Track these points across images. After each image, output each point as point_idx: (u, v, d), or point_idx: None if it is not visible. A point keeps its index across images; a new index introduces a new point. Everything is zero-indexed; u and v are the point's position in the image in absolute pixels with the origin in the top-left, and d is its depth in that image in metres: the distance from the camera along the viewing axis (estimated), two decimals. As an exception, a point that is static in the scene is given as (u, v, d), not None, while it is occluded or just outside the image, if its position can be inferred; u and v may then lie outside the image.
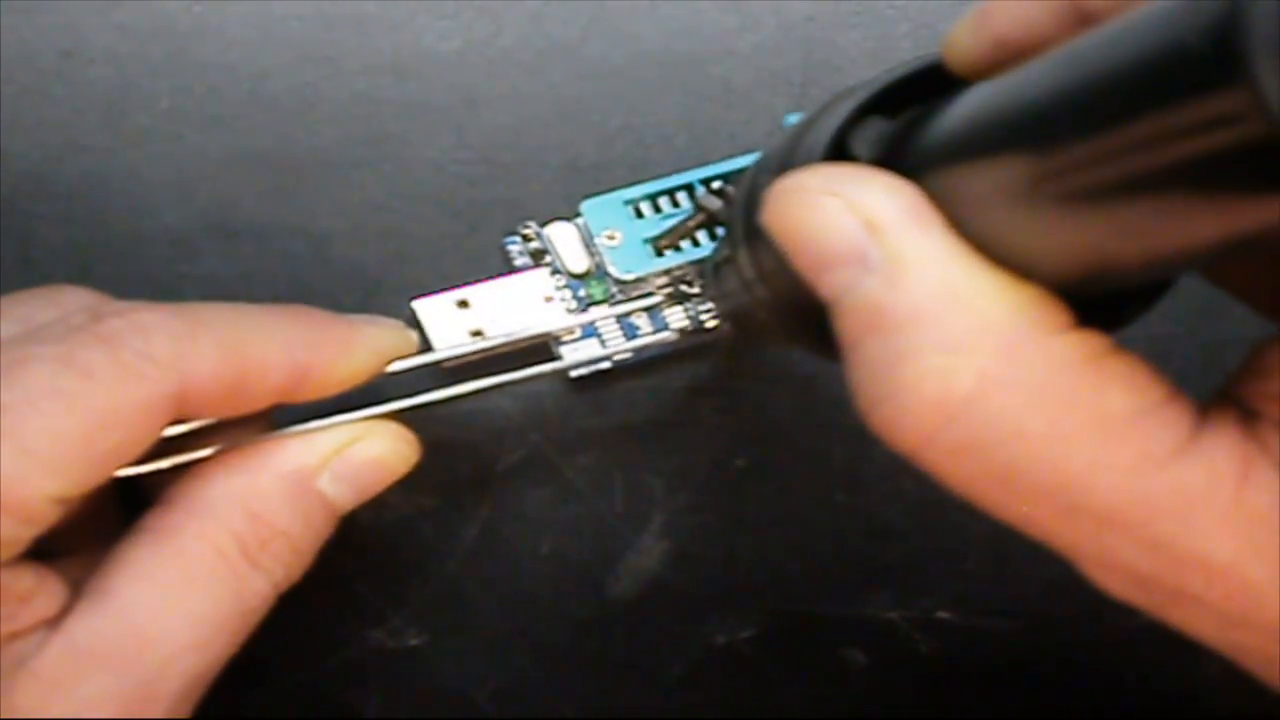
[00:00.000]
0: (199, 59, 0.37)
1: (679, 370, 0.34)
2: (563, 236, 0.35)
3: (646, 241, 0.34)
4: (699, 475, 0.34)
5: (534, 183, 0.36)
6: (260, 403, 0.28)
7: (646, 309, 0.34)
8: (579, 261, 0.35)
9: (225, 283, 0.35)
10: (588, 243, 0.35)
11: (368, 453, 0.30)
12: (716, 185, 0.33)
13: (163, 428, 0.27)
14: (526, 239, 0.35)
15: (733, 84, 0.37)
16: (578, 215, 0.35)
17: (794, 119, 0.35)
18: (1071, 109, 0.18)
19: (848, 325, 0.21)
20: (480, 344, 0.33)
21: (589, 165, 0.36)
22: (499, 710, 0.32)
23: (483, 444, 0.34)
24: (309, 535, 0.29)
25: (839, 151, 0.23)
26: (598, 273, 0.35)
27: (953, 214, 0.21)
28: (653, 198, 0.35)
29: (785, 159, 0.24)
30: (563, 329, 0.34)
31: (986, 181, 0.20)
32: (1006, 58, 0.21)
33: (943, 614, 0.33)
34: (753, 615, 0.33)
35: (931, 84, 0.23)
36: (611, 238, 0.34)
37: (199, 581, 0.27)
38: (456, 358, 0.32)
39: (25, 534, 0.26)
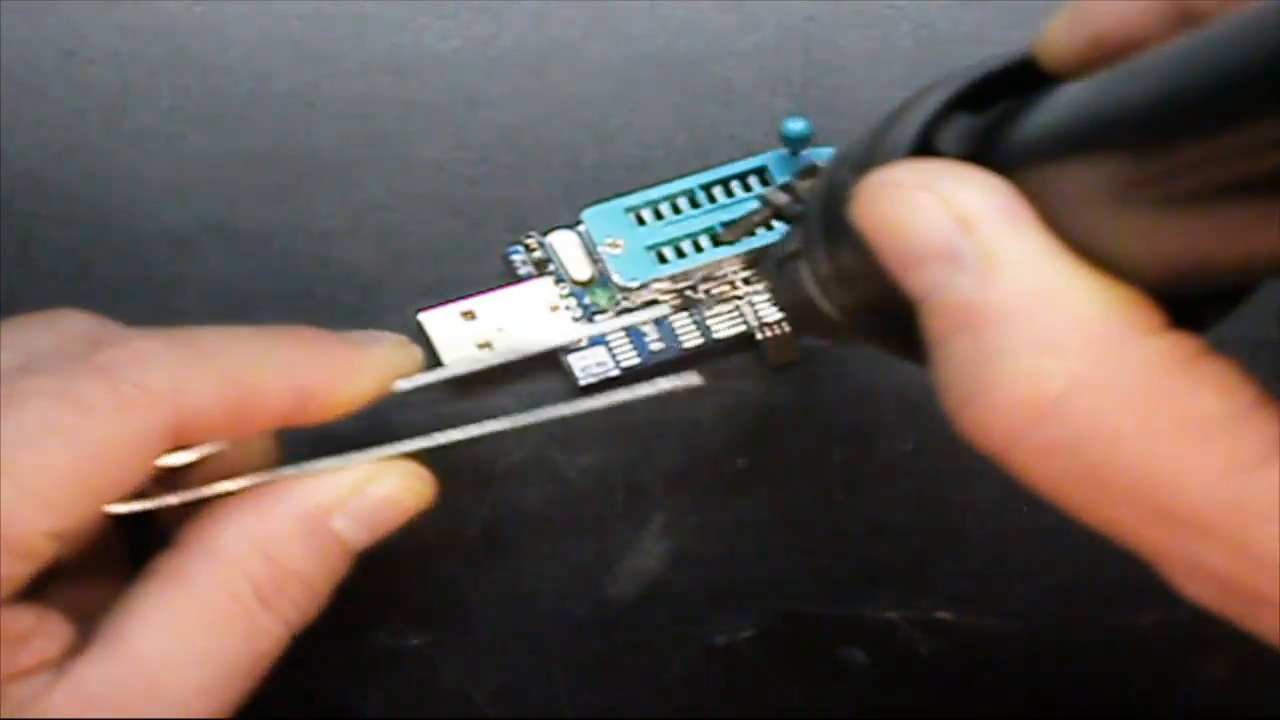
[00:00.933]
0: (199, 59, 0.37)
1: (679, 372, 0.34)
2: (565, 245, 0.35)
3: (649, 249, 0.34)
4: (699, 475, 0.34)
5: (534, 183, 0.36)
6: (261, 428, 0.28)
7: (654, 317, 0.34)
8: (582, 270, 0.35)
9: (225, 283, 0.35)
10: (590, 250, 0.35)
11: (382, 492, 0.30)
12: (783, 181, 0.32)
13: (160, 456, 0.27)
14: (529, 249, 0.35)
15: (733, 84, 0.37)
16: (579, 223, 0.35)
17: (794, 120, 0.35)
18: (1179, 112, 0.18)
19: (936, 323, 0.21)
20: (489, 358, 0.33)
21: (589, 165, 0.36)
22: (499, 710, 0.32)
23: (483, 444, 0.34)
24: (324, 576, 0.29)
25: (924, 147, 0.23)
26: (601, 280, 0.35)
27: (1045, 212, 0.21)
28: (654, 204, 0.35)
29: (868, 154, 0.23)
30: (570, 339, 0.34)
31: (1083, 181, 0.20)
32: (1103, 56, 0.21)
33: (943, 614, 0.33)
34: (753, 615, 0.33)
35: (1018, 80, 0.23)
36: (614, 245, 0.34)
37: (213, 627, 0.27)
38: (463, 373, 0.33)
39: (22, 571, 0.26)
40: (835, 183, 0.24)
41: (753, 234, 0.34)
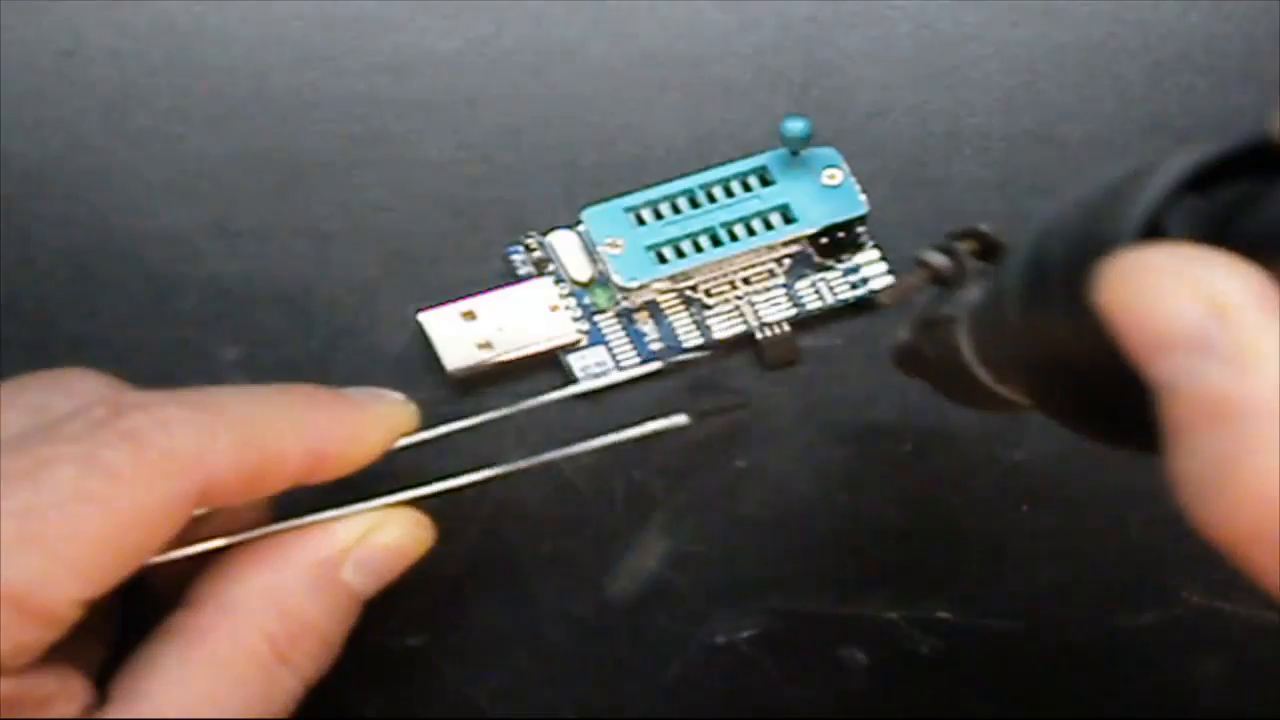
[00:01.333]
0: (199, 59, 0.37)
1: (679, 372, 0.34)
2: (565, 245, 0.35)
3: (649, 249, 0.34)
4: (699, 475, 0.34)
5: (534, 183, 0.36)
6: (275, 489, 0.28)
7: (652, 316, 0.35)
8: (582, 270, 0.35)
9: (225, 283, 0.35)
10: (590, 250, 0.35)
11: (387, 539, 0.30)
12: (940, 242, 0.30)
13: (185, 522, 0.27)
14: (529, 249, 0.35)
15: (733, 84, 0.37)
16: (579, 223, 0.35)
17: (794, 120, 0.35)
18: None
19: (1180, 413, 0.20)
20: (489, 357, 0.34)
21: (589, 165, 0.36)
22: (499, 710, 0.32)
23: (483, 444, 0.34)
24: (336, 627, 0.29)
25: (1153, 229, 0.22)
26: (601, 280, 0.35)
27: None
28: (654, 205, 0.35)
29: (1088, 232, 0.23)
30: (570, 339, 0.34)
31: None
32: None
33: (943, 614, 0.33)
34: (753, 615, 0.33)
35: (1249, 162, 0.22)
36: (614, 245, 0.34)
37: (231, 684, 0.27)
38: (466, 369, 0.33)
39: (49, 638, 0.26)
40: (1045, 257, 0.24)
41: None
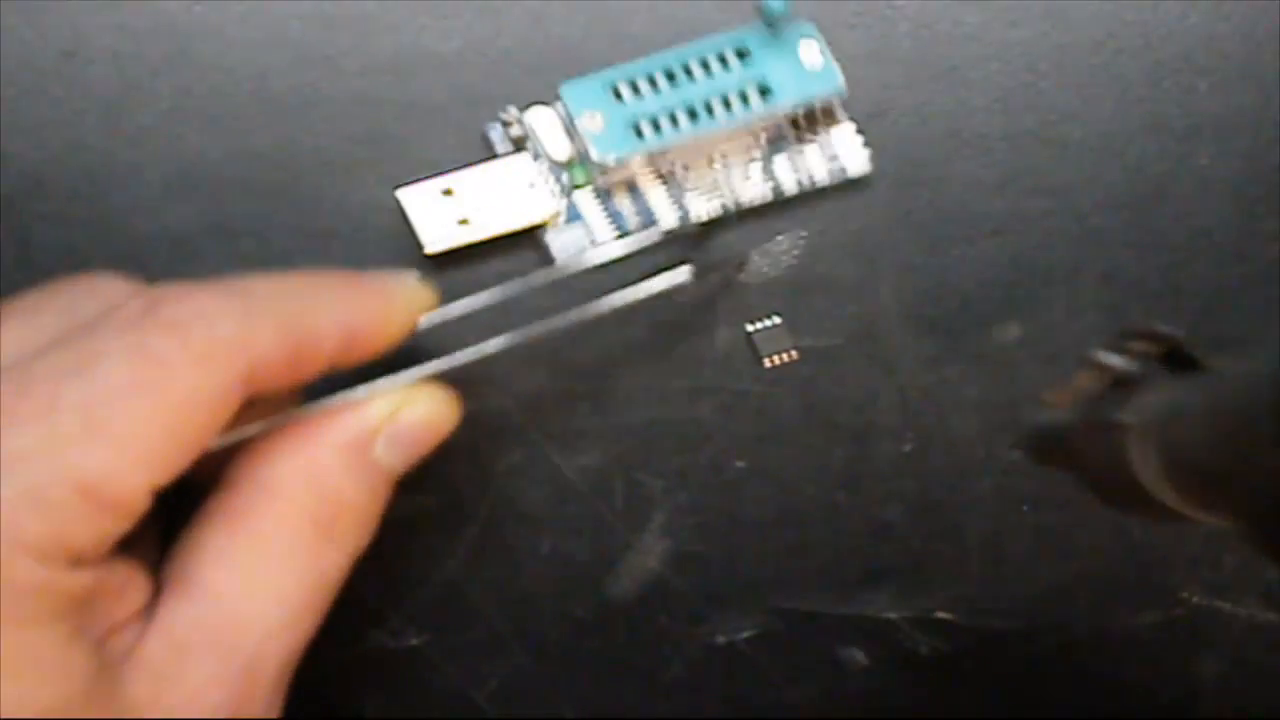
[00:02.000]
0: (199, 59, 0.37)
1: (679, 370, 0.34)
2: (544, 122, 0.35)
3: (626, 124, 0.34)
4: (699, 475, 0.34)
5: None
6: (314, 372, 0.29)
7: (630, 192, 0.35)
8: (561, 149, 0.35)
9: (225, 283, 0.35)
10: (569, 129, 0.35)
11: (415, 416, 0.30)
12: (1118, 342, 0.28)
13: (238, 407, 0.27)
14: (507, 124, 0.35)
15: (733, 84, 0.37)
16: (558, 99, 0.35)
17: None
18: None
19: None
20: (471, 236, 0.34)
21: (589, 165, 0.36)
22: (499, 710, 0.32)
23: (483, 444, 0.34)
24: (373, 503, 0.29)
25: None
26: (581, 160, 0.35)
27: None
28: (632, 79, 0.35)
29: None
30: (548, 215, 0.34)
31: None
32: None
33: (943, 614, 0.33)
34: (753, 615, 0.33)
35: None
36: (592, 120, 0.34)
37: (280, 562, 0.28)
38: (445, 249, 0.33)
39: (124, 528, 0.26)
40: None
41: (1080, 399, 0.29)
